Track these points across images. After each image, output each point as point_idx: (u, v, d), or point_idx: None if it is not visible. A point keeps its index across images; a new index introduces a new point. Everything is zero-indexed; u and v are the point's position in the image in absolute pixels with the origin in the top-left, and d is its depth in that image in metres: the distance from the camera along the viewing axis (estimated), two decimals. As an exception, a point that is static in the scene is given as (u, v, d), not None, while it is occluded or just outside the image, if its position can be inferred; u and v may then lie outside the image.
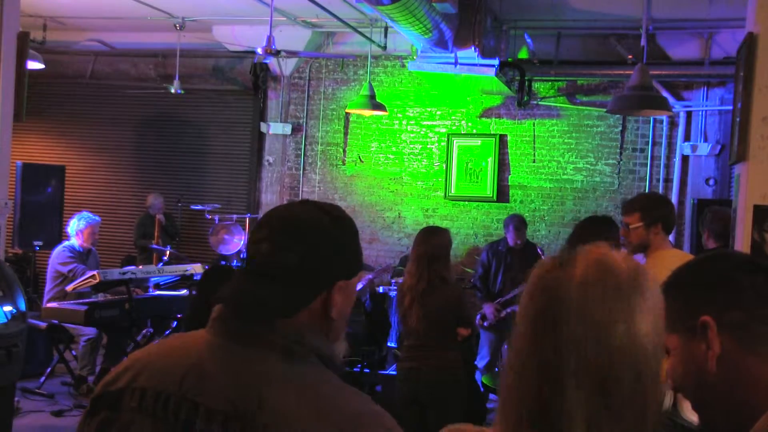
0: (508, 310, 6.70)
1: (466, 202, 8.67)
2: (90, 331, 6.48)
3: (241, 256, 7.95)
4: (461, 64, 7.14)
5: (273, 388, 1.24)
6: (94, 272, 6.09)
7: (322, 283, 1.33)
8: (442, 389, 4.30)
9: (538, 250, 7.05)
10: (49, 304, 6.38)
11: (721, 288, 1.24)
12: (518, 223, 7.23)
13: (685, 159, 8.09)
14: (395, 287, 7.58)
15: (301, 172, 9.21)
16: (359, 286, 7.25)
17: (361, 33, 7.87)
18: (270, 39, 6.04)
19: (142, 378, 1.33)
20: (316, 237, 1.34)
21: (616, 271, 1.06)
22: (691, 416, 2.60)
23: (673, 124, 8.14)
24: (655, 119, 8.09)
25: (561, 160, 8.43)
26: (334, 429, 1.21)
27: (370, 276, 7.42)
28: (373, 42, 7.95)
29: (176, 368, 1.31)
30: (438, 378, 4.31)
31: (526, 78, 8.14)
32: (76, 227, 6.94)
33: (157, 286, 6.97)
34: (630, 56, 7.64)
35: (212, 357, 1.30)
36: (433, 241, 4.39)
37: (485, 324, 6.85)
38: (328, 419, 1.22)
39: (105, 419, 1.34)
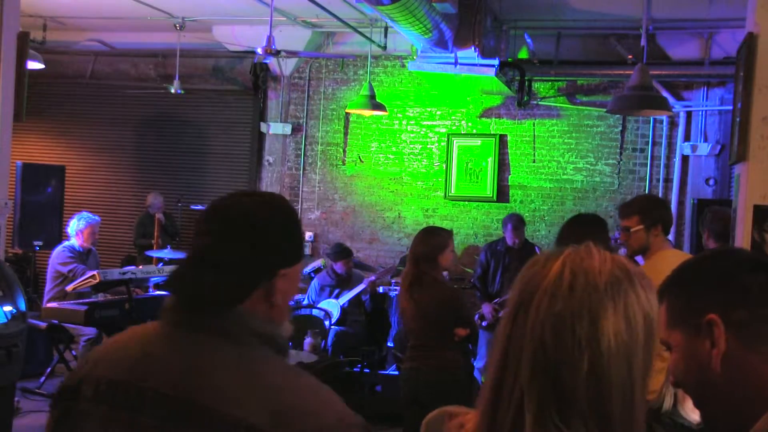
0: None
1: (466, 202, 8.67)
2: (90, 331, 6.48)
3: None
4: (461, 64, 7.14)
5: (215, 371, 1.30)
6: (94, 272, 6.09)
7: (264, 272, 1.38)
8: (442, 389, 4.30)
9: (536, 249, 7.05)
10: (49, 304, 6.38)
11: (726, 287, 1.24)
12: (516, 222, 7.23)
13: (685, 159, 8.09)
14: (395, 287, 7.59)
15: (301, 172, 9.21)
16: (361, 287, 7.29)
17: (361, 33, 7.87)
18: (270, 39, 6.04)
19: (98, 369, 1.39)
20: (257, 228, 1.39)
21: (594, 272, 1.05)
22: (693, 415, 2.60)
23: (673, 124, 8.14)
24: (655, 119, 8.09)
25: (561, 160, 8.43)
26: (267, 408, 1.26)
27: (373, 277, 7.43)
28: (373, 42, 7.95)
29: (128, 357, 1.38)
30: (437, 378, 4.32)
31: (526, 78, 8.14)
32: (76, 227, 6.94)
33: (157, 286, 6.97)
34: (630, 56, 7.64)
35: (160, 344, 1.37)
36: (426, 240, 4.43)
37: (483, 324, 6.86)
38: (263, 399, 1.27)
39: (64, 409, 1.41)
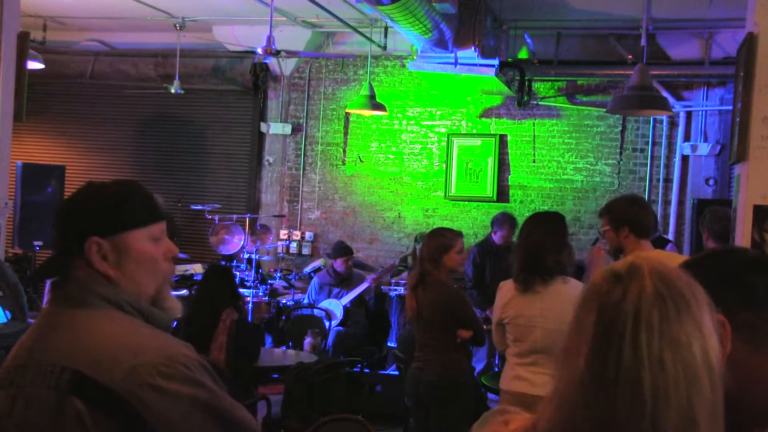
0: None
1: (466, 202, 8.66)
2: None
3: (241, 256, 7.95)
4: (461, 64, 7.14)
5: (58, 332, 1.52)
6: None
7: (72, 241, 1.56)
8: (442, 391, 4.30)
9: None
10: (49, 304, 6.38)
11: (731, 288, 1.23)
12: (513, 221, 7.21)
13: (685, 159, 8.09)
14: (396, 287, 7.60)
15: (301, 172, 9.21)
16: (364, 286, 7.27)
17: (361, 33, 7.87)
18: (270, 39, 6.04)
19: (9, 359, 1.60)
20: (68, 204, 1.62)
21: (682, 285, 1.02)
22: None
23: (673, 124, 8.14)
24: (655, 119, 8.09)
25: (561, 160, 8.43)
26: (90, 356, 1.45)
27: (374, 276, 7.42)
28: (373, 42, 7.95)
29: (25, 341, 1.60)
30: (438, 379, 4.32)
31: (526, 78, 8.14)
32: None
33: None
34: (630, 56, 7.64)
35: (36, 323, 1.62)
36: (430, 241, 4.46)
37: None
38: (88, 349, 1.47)
39: None
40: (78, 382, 1.44)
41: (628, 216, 3.54)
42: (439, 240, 4.42)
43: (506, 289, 3.81)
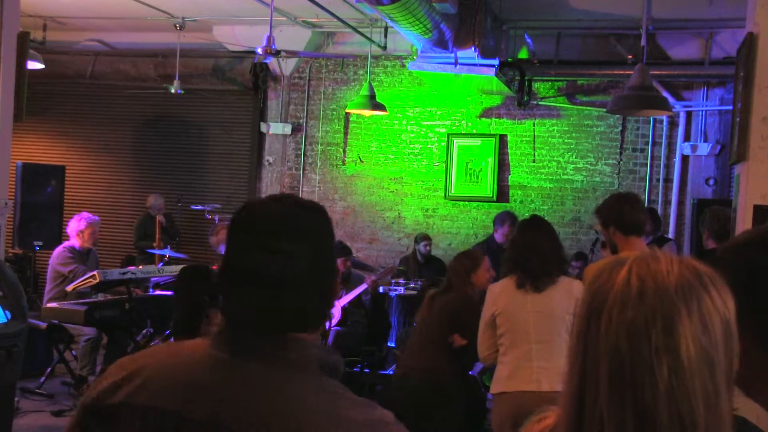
0: None
1: (466, 202, 8.67)
2: (90, 331, 6.48)
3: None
4: (461, 64, 7.14)
5: (304, 408, 1.18)
6: (94, 272, 6.08)
7: (329, 285, 1.27)
8: (426, 397, 4.28)
9: None
10: (49, 304, 6.38)
11: (744, 290, 1.24)
12: (515, 219, 7.23)
13: (685, 159, 8.09)
14: (395, 287, 7.59)
15: (301, 172, 9.21)
16: (362, 287, 7.28)
17: (361, 33, 7.87)
18: (270, 39, 6.04)
19: (144, 394, 1.24)
20: (315, 238, 1.26)
21: (662, 275, 1.01)
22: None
23: (673, 124, 8.14)
24: (655, 119, 8.09)
25: (561, 160, 8.43)
26: None
27: (373, 277, 7.42)
28: (373, 42, 7.95)
29: (182, 386, 1.23)
30: (423, 385, 4.30)
31: (526, 78, 8.14)
32: (76, 227, 6.93)
33: (157, 286, 6.96)
34: (630, 56, 7.64)
35: (225, 376, 1.22)
36: (454, 266, 4.59)
37: None
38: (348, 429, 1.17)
39: (101, 427, 1.28)
40: None
41: (612, 214, 3.58)
42: (464, 262, 4.52)
43: (497, 285, 3.87)
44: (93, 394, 1.30)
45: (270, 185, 9.34)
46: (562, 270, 3.71)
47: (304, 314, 1.24)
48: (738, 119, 3.82)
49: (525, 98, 8.27)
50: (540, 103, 8.46)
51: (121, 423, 1.24)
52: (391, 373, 6.69)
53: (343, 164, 9.06)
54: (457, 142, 8.64)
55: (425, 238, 7.95)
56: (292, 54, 7.72)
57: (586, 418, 1.01)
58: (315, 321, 1.27)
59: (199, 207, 8.55)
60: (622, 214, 3.56)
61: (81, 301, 6.29)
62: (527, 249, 3.74)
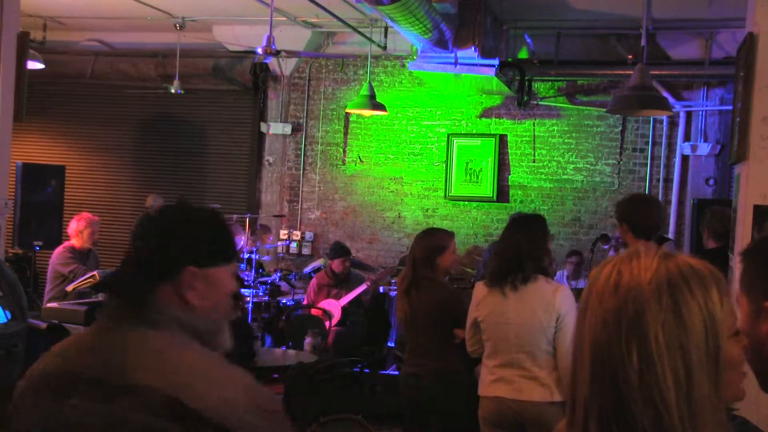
0: None
1: (466, 202, 8.67)
2: (90, 331, 6.47)
3: (241, 256, 7.94)
4: (461, 64, 7.14)
5: (132, 352, 1.48)
6: (94, 272, 6.08)
7: (168, 268, 1.55)
8: (443, 395, 4.23)
9: None
10: (49, 304, 6.37)
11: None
12: None
13: (685, 159, 8.09)
14: (395, 287, 7.59)
15: (301, 172, 9.21)
16: (362, 288, 7.28)
17: (361, 33, 7.87)
18: (270, 39, 6.04)
19: (36, 366, 1.63)
20: (166, 228, 1.59)
21: (638, 271, 1.09)
22: None
23: (673, 124, 8.14)
24: (655, 119, 8.09)
25: (561, 160, 8.43)
26: (177, 380, 1.43)
27: (374, 277, 7.42)
28: (373, 42, 7.94)
29: (61, 352, 1.62)
30: (438, 384, 4.24)
31: (526, 78, 8.14)
32: (76, 228, 6.93)
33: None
34: (630, 56, 7.64)
35: (91, 337, 1.60)
36: (423, 242, 4.34)
37: None
38: (171, 373, 1.44)
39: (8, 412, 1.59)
40: (175, 407, 1.42)
41: (627, 215, 3.65)
42: (433, 241, 4.32)
43: (479, 288, 3.82)
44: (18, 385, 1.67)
45: (270, 185, 9.34)
46: (537, 269, 3.61)
47: (139, 284, 1.57)
48: (738, 119, 3.82)
49: (525, 98, 8.27)
50: (540, 103, 8.46)
51: (24, 400, 1.59)
52: (391, 373, 6.69)
53: (343, 164, 9.06)
54: (457, 142, 8.64)
55: None
56: (292, 54, 7.73)
57: (577, 404, 1.09)
58: (144, 289, 1.57)
59: (199, 207, 8.54)
60: (636, 216, 3.61)
61: (81, 301, 6.28)
62: (501, 246, 3.75)
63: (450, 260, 4.34)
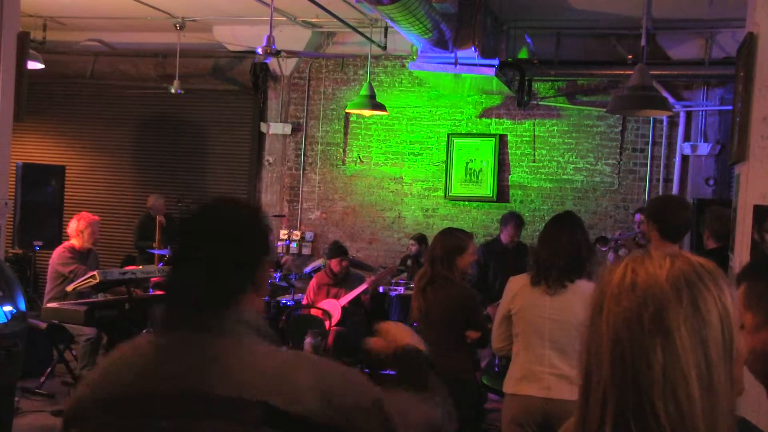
0: None
1: (466, 202, 8.67)
2: (90, 331, 6.47)
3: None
4: (461, 64, 7.14)
5: (218, 362, 1.39)
6: (94, 272, 6.08)
7: (254, 268, 1.51)
8: (454, 396, 4.20)
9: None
10: (49, 304, 6.38)
11: None
12: (519, 221, 7.23)
13: (685, 159, 8.09)
14: (395, 287, 7.58)
15: (301, 172, 9.21)
16: (362, 287, 7.28)
17: (361, 33, 7.87)
18: (270, 39, 6.04)
19: (100, 392, 1.44)
20: (244, 230, 1.52)
21: (653, 269, 1.12)
22: None
23: (673, 124, 8.14)
24: (655, 119, 8.09)
25: (561, 160, 8.43)
26: (285, 389, 1.37)
27: (374, 277, 7.41)
28: (373, 42, 7.94)
29: (128, 373, 1.44)
30: (445, 382, 4.22)
31: (526, 78, 8.14)
32: (76, 228, 6.93)
33: (157, 286, 6.96)
34: (630, 56, 7.64)
35: (161, 350, 1.45)
36: (442, 241, 4.36)
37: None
38: (276, 380, 1.37)
39: None
40: (269, 413, 1.36)
41: (654, 216, 3.64)
42: (454, 241, 4.34)
43: (515, 282, 3.76)
44: (72, 402, 1.49)
45: (270, 185, 9.34)
46: (580, 272, 3.57)
47: (228, 290, 1.48)
48: (738, 119, 3.82)
49: (525, 98, 8.27)
50: (540, 103, 8.46)
51: (90, 420, 1.43)
52: (391, 373, 6.68)
53: (343, 164, 9.07)
54: (457, 142, 8.64)
55: (413, 238, 7.97)
56: (292, 54, 7.73)
57: (591, 397, 1.11)
58: (235, 296, 1.48)
59: (199, 207, 8.54)
60: (661, 216, 3.60)
61: (81, 301, 6.29)
62: (543, 246, 3.67)
63: (468, 261, 4.37)
